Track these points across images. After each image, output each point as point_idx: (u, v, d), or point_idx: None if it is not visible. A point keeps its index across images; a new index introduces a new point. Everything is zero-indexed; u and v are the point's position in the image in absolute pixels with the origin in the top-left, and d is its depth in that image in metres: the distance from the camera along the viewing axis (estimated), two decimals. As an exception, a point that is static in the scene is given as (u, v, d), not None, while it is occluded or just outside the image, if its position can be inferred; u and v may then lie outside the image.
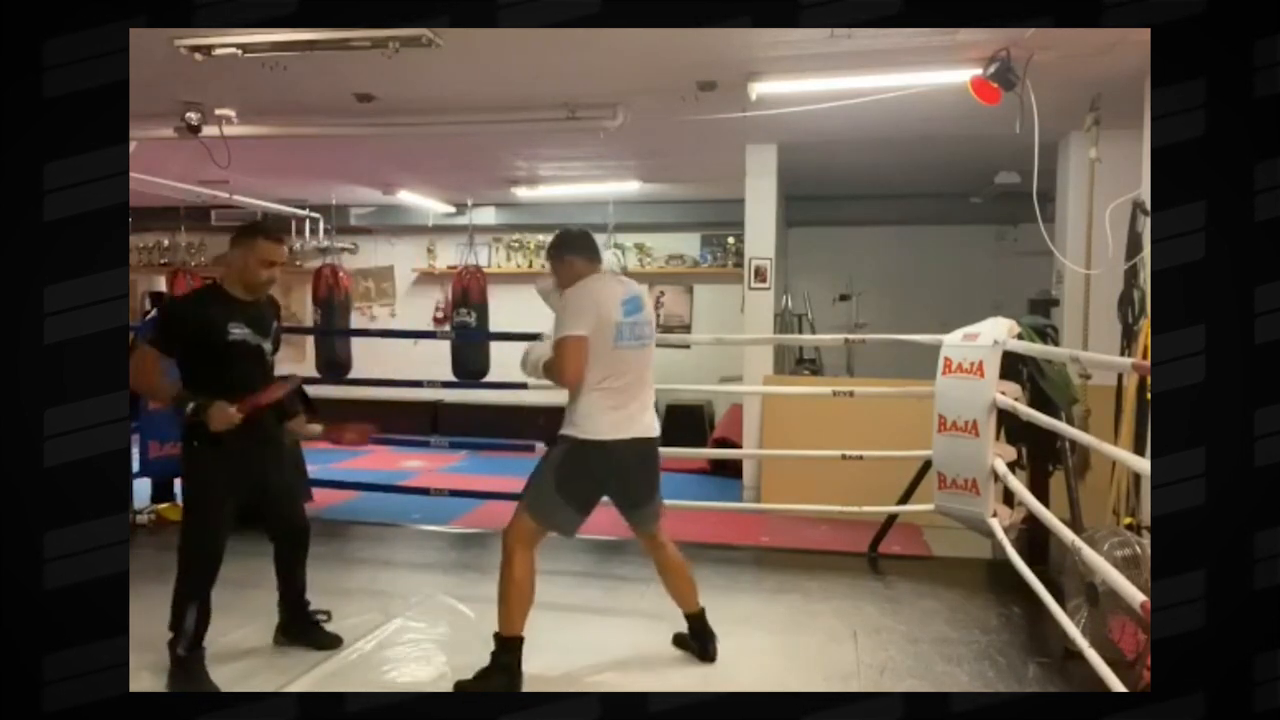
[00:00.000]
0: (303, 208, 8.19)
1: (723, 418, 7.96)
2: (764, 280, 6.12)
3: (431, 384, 5.59)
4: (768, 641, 3.43)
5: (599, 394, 2.89)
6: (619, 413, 2.91)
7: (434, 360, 6.83)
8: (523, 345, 3.21)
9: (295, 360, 7.53)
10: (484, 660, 2.92)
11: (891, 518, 4.58)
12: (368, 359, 7.33)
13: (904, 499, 4.47)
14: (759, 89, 4.24)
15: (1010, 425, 3.97)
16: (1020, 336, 3.93)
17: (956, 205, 7.96)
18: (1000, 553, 3.79)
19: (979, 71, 3.90)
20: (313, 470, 6.09)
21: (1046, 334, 4.23)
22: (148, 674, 2.88)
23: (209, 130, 4.89)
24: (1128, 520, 3.64)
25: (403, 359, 7.47)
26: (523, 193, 7.80)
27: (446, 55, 3.89)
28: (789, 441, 5.57)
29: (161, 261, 9.57)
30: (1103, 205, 4.19)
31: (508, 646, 2.88)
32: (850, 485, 4.66)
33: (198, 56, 3.80)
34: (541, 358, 3.00)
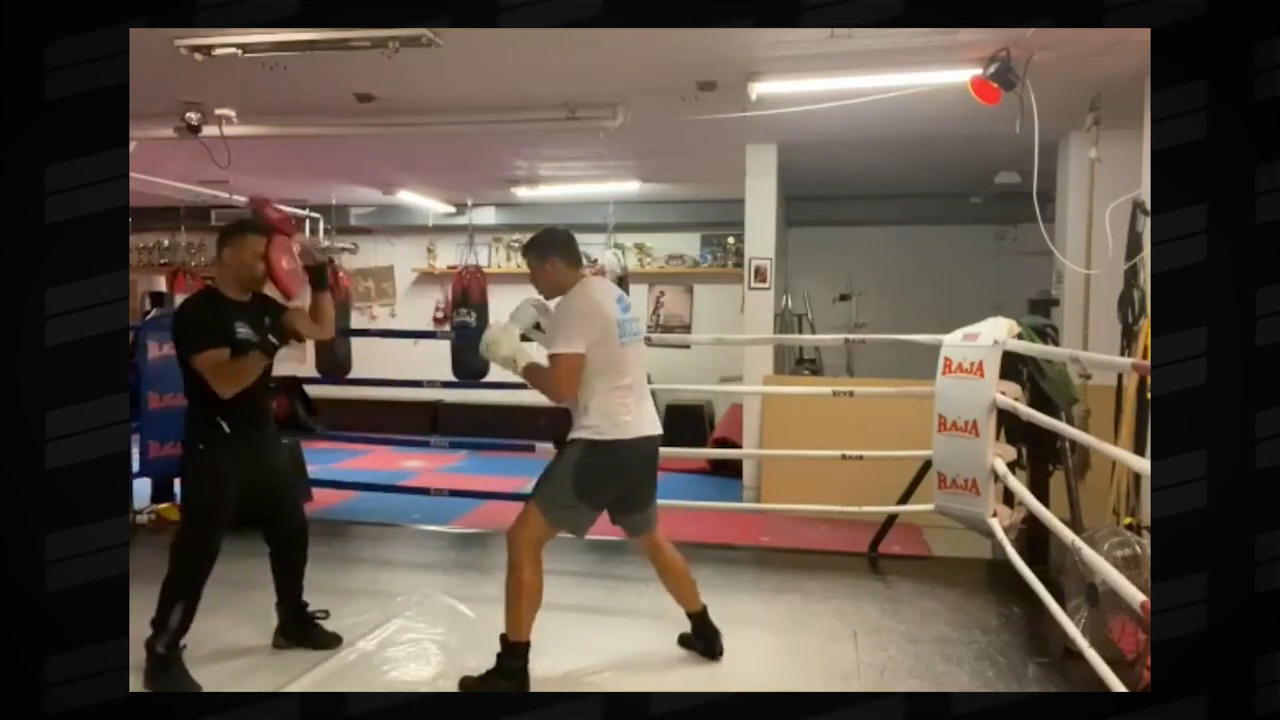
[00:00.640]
0: (303, 208, 8.18)
1: (723, 418, 7.96)
2: (764, 280, 6.12)
3: (431, 384, 5.59)
4: (768, 641, 3.43)
5: (614, 394, 2.88)
6: (632, 412, 2.91)
7: (434, 360, 6.81)
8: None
9: (295, 360, 7.52)
10: (484, 660, 2.92)
11: (891, 518, 4.58)
12: (368, 359, 7.33)
13: (904, 499, 4.47)
14: (759, 89, 4.24)
15: (1010, 425, 3.97)
16: (1020, 336, 3.93)
17: (956, 205, 7.96)
18: (1000, 553, 3.79)
19: (979, 71, 3.90)
20: (313, 470, 6.11)
21: (1046, 334, 4.23)
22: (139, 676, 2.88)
23: (209, 130, 4.89)
24: (1128, 520, 3.64)
25: (403, 359, 7.46)
26: (523, 193, 7.80)
27: (446, 55, 3.88)
28: (789, 441, 5.57)
29: (161, 261, 9.56)
30: (1103, 205, 4.19)
31: (515, 651, 2.86)
32: (850, 485, 4.66)
33: (198, 56, 3.80)
34: (519, 354, 2.95)
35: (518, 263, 9.12)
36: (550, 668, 3.04)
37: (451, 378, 6.48)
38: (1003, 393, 3.78)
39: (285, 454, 3.23)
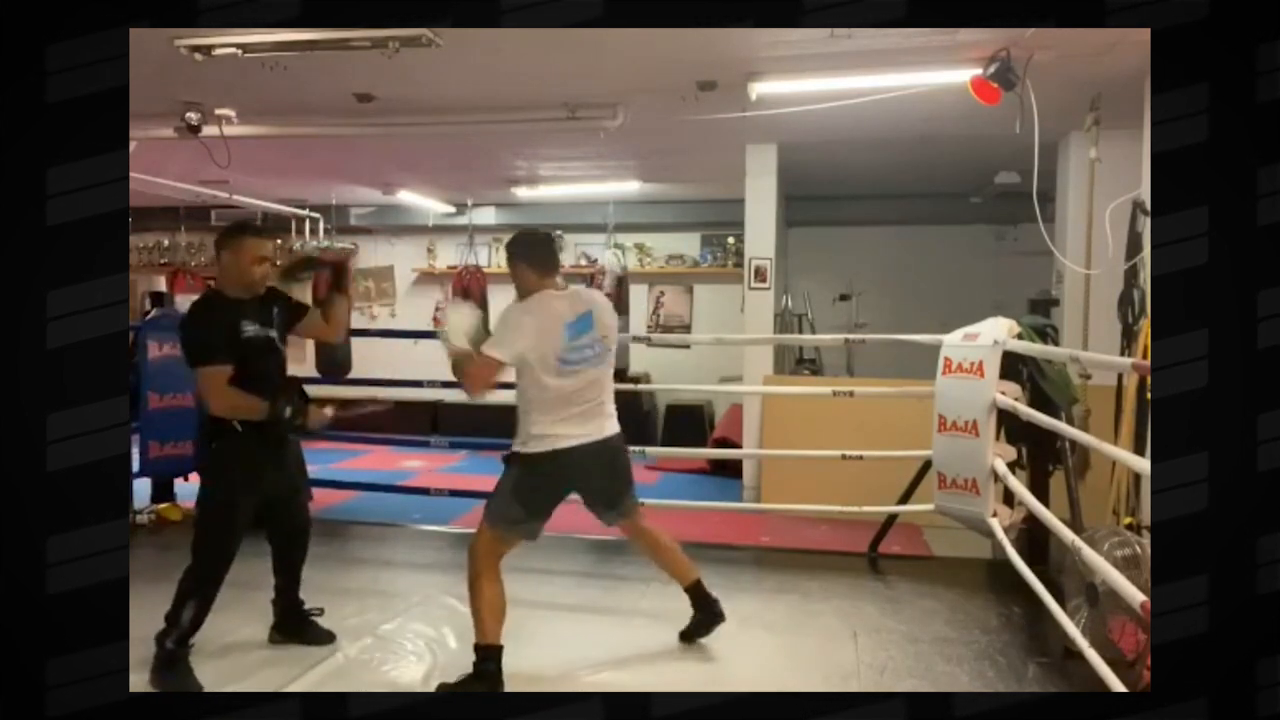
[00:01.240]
0: (303, 208, 8.18)
1: (723, 418, 7.95)
2: (764, 280, 6.12)
3: (431, 384, 5.58)
4: (768, 641, 3.43)
5: (539, 410, 2.92)
6: (565, 423, 2.93)
7: (434, 360, 6.80)
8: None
9: (295, 360, 7.50)
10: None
11: (891, 518, 4.58)
12: (368, 359, 7.32)
13: (904, 499, 4.47)
14: (759, 89, 4.23)
15: (1010, 425, 3.97)
16: (1020, 336, 3.93)
17: (956, 205, 7.96)
18: (1000, 553, 3.79)
19: (979, 71, 3.90)
20: (313, 470, 6.03)
21: (1046, 334, 4.23)
22: (144, 672, 2.88)
23: (209, 130, 4.89)
24: (1128, 520, 3.65)
25: (403, 359, 7.45)
26: (523, 193, 7.79)
27: (446, 55, 3.88)
28: (789, 441, 5.57)
29: (161, 261, 9.54)
30: (1103, 205, 4.19)
31: (489, 655, 2.90)
32: (850, 485, 4.67)
33: (198, 56, 3.79)
34: (458, 346, 2.95)
35: (518, 263, 9.12)
36: (548, 667, 3.05)
37: (451, 378, 6.47)
38: (1003, 393, 3.78)
39: (296, 452, 3.26)
